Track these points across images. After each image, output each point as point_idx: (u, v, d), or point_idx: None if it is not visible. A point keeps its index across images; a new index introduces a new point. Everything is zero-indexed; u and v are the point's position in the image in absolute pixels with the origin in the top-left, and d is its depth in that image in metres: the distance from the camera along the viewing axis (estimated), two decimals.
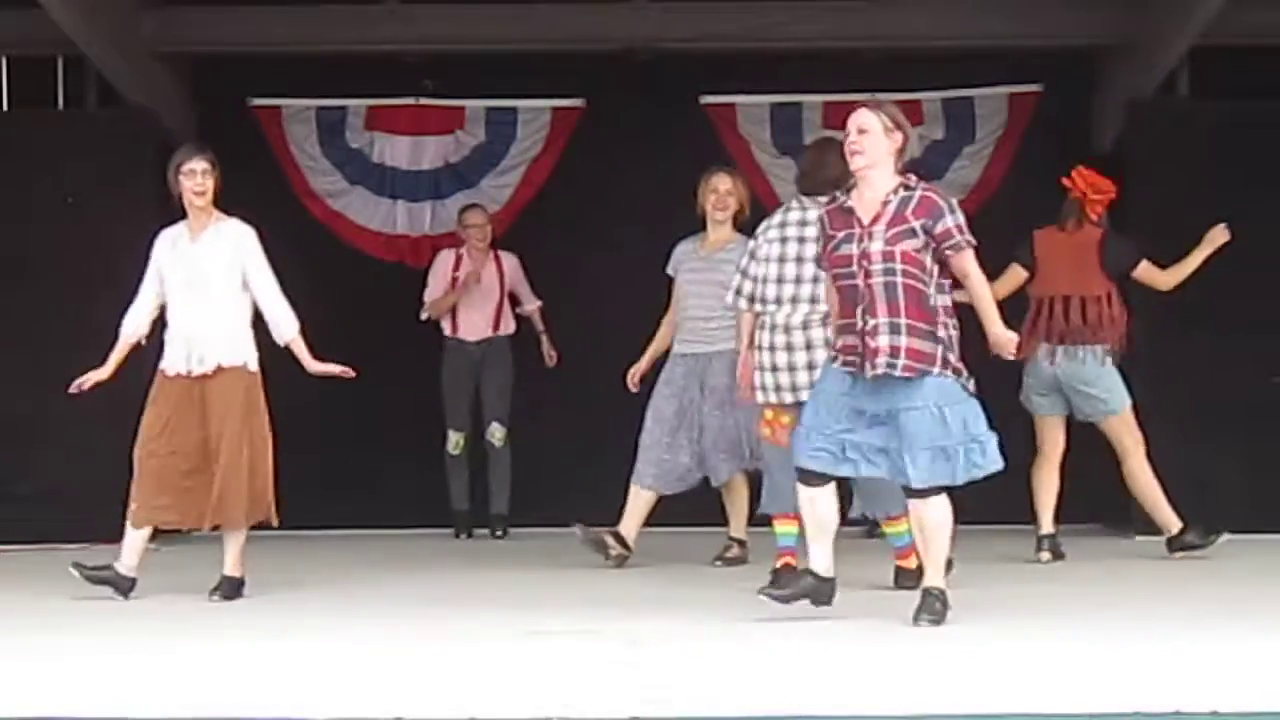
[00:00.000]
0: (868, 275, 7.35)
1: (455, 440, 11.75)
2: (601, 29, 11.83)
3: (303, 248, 12.21)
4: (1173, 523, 10.04)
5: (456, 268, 11.82)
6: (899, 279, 7.33)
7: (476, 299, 11.76)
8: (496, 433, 11.72)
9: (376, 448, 12.04)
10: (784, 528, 8.66)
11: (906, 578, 8.51)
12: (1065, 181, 10.10)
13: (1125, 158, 11.50)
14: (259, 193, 11.86)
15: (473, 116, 12.43)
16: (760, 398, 8.63)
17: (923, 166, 12.33)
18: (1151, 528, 10.30)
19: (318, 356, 8.90)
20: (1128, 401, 10.04)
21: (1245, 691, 5.63)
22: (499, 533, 11.69)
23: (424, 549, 11.03)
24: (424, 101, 12.40)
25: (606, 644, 6.84)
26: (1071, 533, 10.39)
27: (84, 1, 10.85)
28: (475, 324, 11.80)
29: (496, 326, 11.82)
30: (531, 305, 11.82)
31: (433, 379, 11.83)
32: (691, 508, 10.75)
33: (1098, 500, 10.98)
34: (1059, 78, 12.20)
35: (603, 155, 12.00)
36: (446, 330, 11.83)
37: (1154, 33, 11.44)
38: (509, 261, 11.86)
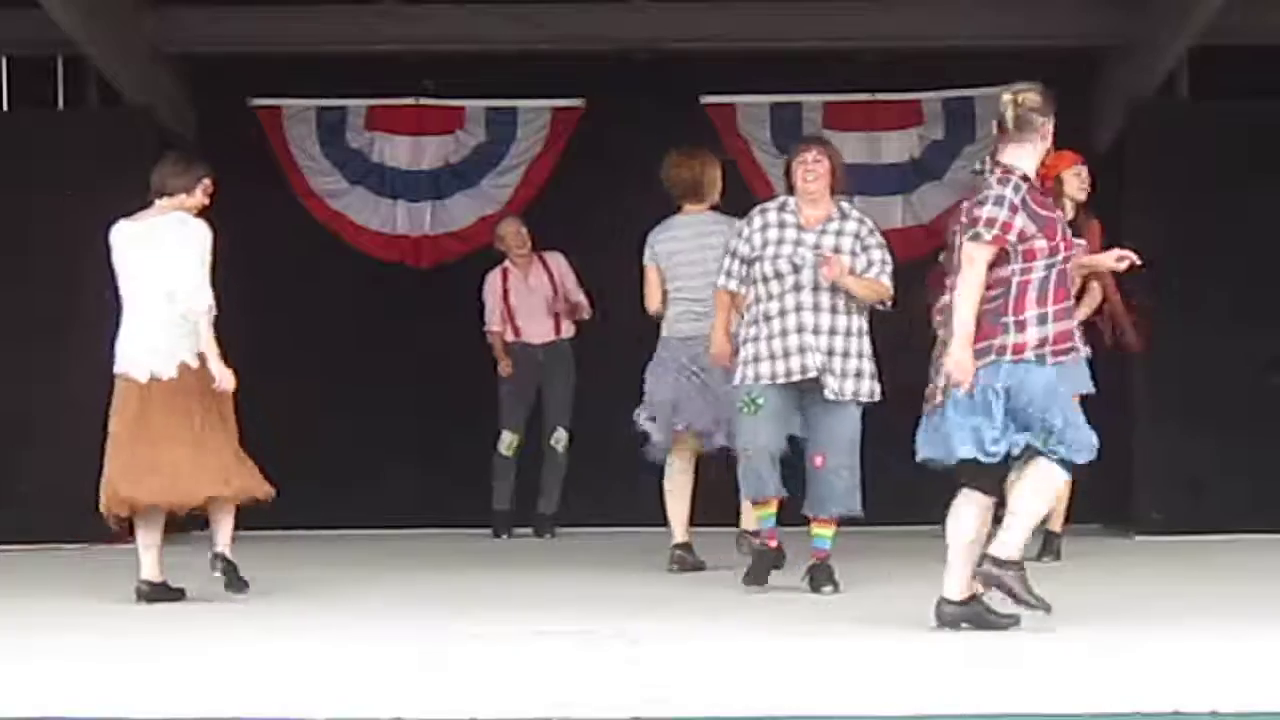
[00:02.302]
0: (1067, 260, 7.26)
1: (509, 441, 11.72)
2: (601, 29, 11.83)
3: (303, 248, 12.24)
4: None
5: (506, 282, 11.79)
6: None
7: (535, 306, 11.74)
8: (561, 438, 11.67)
9: (378, 447, 12.04)
10: (826, 530, 8.59)
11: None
12: (1079, 194, 9.99)
13: (1125, 158, 11.50)
14: (259, 193, 11.89)
15: (473, 116, 12.44)
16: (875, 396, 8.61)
17: (923, 166, 12.39)
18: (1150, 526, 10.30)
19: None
20: None
21: (1245, 691, 5.63)
22: (547, 534, 11.65)
23: (424, 549, 11.03)
24: (424, 101, 12.41)
25: (606, 644, 6.84)
26: (1071, 532, 10.39)
27: (84, 1, 10.86)
28: (537, 328, 11.77)
29: (558, 329, 11.79)
30: (579, 298, 11.71)
31: (434, 378, 11.84)
32: (694, 508, 10.75)
33: (1098, 500, 10.98)
34: (1059, 78, 12.15)
35: (603, 155, 12.00)
36: (508, 336, 11.78)
37: (1154, 33, 11.44)
38: (555, 261, 11.83)
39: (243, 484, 8.41)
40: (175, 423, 8.33)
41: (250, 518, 11.27)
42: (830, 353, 8.46)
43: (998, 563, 6.98)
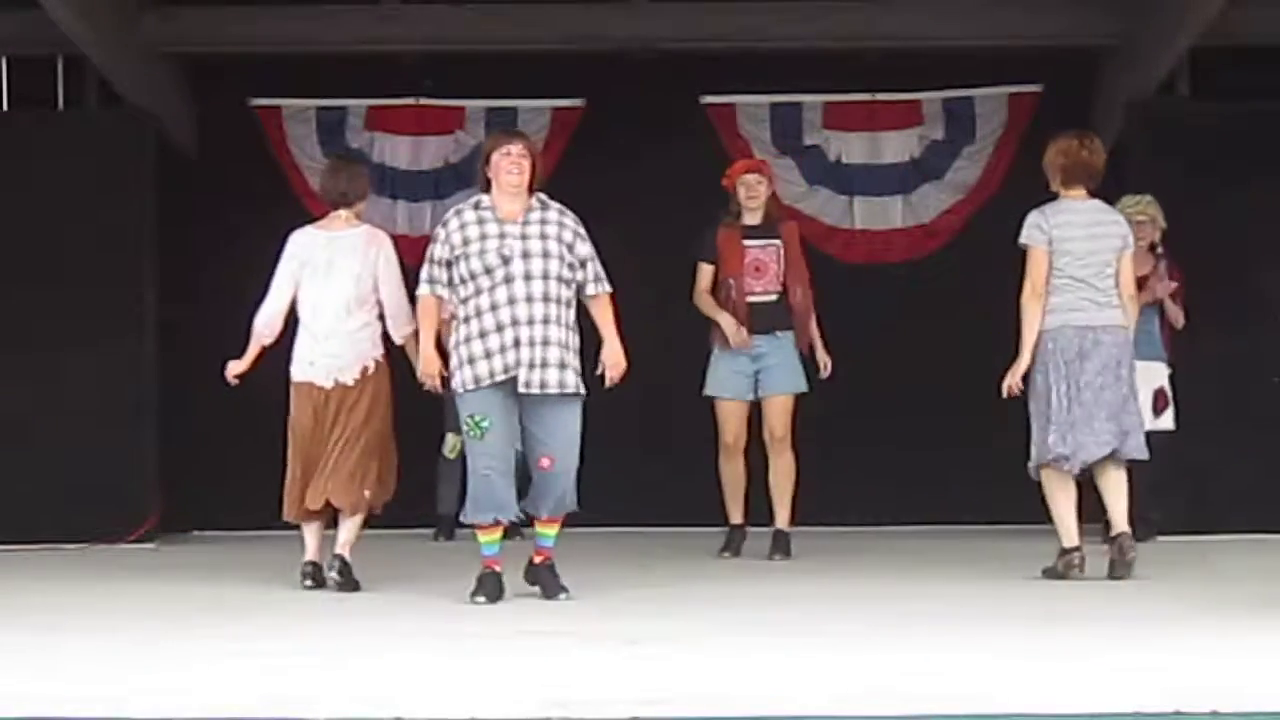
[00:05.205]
0: None
1: (452, 443, 11.71)
2: (601, 29, 11.83)
3: None
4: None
5: None
6: None
7: None
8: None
9: None
10: (552, 529, 8.60)
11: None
12: (749, 203, 10.19)
13: (1125, 158, 11.50)
14: (259, 193, 11.89)
15: (473, 116, 12.44)
16: None
17: (923, 166, 12.39)
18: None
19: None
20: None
21: (1245, 691, 5.63)
22: (515, 536, 11.63)
23: (423, 549, 11.04)
24: (424, 101, 12.41)
25: (606, 644, 6.84)
26: None
27: (84, 1, 10.86)
28: None
29: None
30: None
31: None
32: (692, 507, 10.76)
33: (1098, 501, 10.97)
34: (1059, 78, 12.21)
35: (603, 155, 12.00)
36: None
37: (1154, 33, 11.44)
38: None
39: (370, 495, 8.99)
40: (351, 427, 8.90)
41: (250, 518, 11.31)
42: (546, 343, 8.27)
43: None
